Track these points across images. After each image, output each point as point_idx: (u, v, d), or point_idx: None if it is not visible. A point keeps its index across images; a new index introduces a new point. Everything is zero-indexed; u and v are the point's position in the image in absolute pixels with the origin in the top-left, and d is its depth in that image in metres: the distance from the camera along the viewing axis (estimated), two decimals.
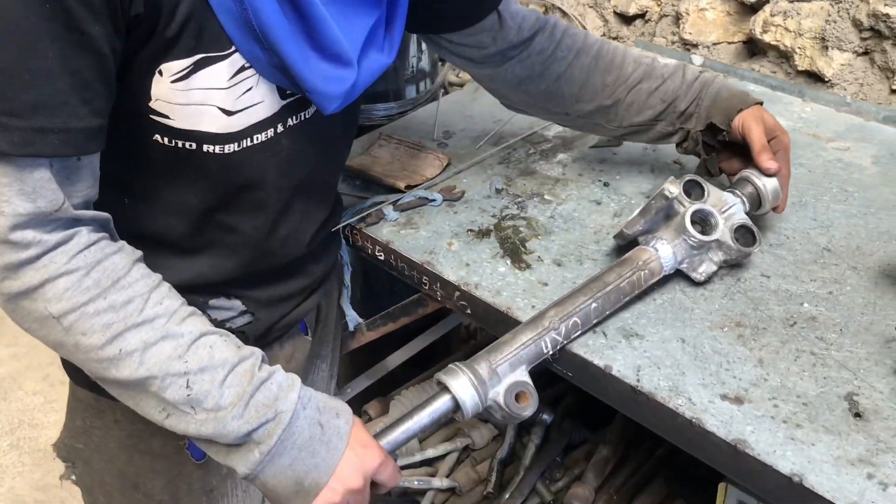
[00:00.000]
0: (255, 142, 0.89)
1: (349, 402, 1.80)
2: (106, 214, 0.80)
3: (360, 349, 2.01)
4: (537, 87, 1.19)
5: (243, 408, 0.80)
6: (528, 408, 0.94)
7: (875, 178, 1.32)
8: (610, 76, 1.19)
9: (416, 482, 1.62)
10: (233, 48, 0.81)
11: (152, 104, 0.81)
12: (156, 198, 0.91)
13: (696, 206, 1.06)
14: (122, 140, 0.85)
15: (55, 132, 0.71)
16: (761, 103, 1.17)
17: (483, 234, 1.22)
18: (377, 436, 0.90)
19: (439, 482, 1.62)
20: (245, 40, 0.81)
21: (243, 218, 0.95)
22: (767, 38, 1.89)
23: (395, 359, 1.78)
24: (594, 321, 1.01)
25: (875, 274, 1.11)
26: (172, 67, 0.79)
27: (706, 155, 1.19)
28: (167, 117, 0.82)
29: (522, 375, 0.95)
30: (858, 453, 0.85)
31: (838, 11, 1.74)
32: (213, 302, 1.01)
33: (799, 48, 1.83)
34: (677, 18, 2.23)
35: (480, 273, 1.14)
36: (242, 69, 0.83)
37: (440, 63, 1.85)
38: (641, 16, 2.39)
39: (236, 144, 0.87)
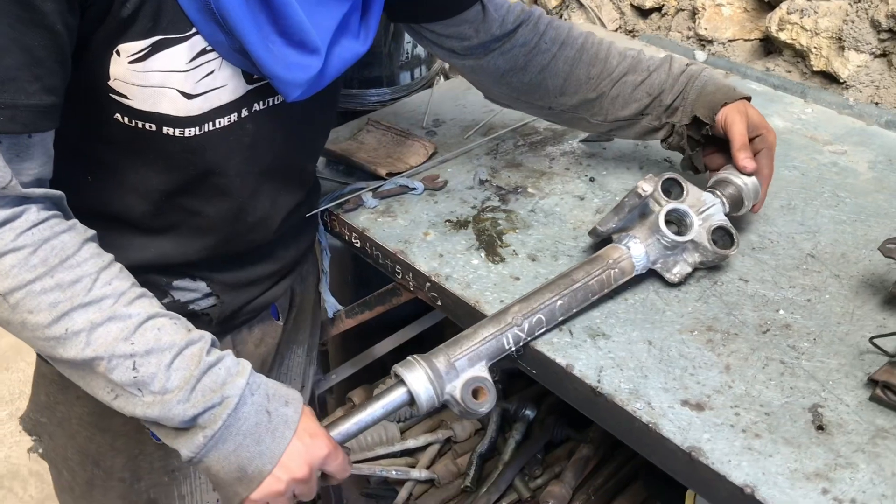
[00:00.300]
0: (218, 126, 0.88)
1: (334, 389, 1.81)
2: (59, 193, 0.80)
3: (351, 336, 2.01)
4: (520, 79, 1.17)
5: (189, 392, 0.79)
6: (485, 404, 0.92)
7: (869, 183, 1.29)
8: (594, 69, 1.16)
9: (394, 472, 1.61)
10: (193, 30, 0.80)
11: (111, 83, 0.81)
12: (118, 177, 0.90)
13: (672, 205, 1.03)
14: (85, 118, 0.84)
15: (2, 108, 0.71)
16: (749, 98, 1.14)
17: (461, 225, 1.20)
18: (328, 426, 0.90)
19: (418, 473, 1.62)
20: (205, 23, 0.80)
21: (207, 202, 0.94)
22: (783, 36, 1.85)
23: (384, 346, 1.77)
24: (560, 318, 0.99)
25: (857, 283, 1.08)
26: (130, 48, 0.78)
27: (691, 150, 1.16)
28: (126, 97, 0.82)
29: (481, 371, 0.94)
30: (816, 467, 0.83)
31: (857, 11, 1.70)
32: (176, 283, 1.00)
33: (815, 48, 1.78)
34: (693, 13, 2.19)
35: (453, 265, 1.12)
36: (203, 52, 0.82)
37: None
38: (658, 9, 2.35)
39: (197, 128, 0.86)
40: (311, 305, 1.30)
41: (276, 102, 0.93)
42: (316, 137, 1.09)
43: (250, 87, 0.89)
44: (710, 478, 0.84)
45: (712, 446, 0.85)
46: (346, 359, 1.75)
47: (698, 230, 1.04)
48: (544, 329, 0.98)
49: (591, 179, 1.31)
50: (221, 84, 0.86)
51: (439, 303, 1.11)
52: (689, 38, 2.19)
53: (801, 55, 1.83)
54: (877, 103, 1.62)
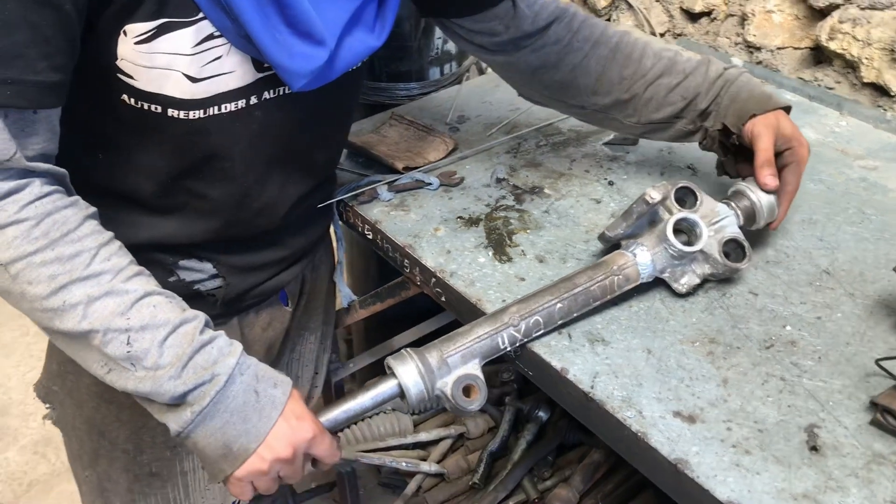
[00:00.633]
0: (224, 111, 0.89)
1: (357, 377, 1.82)
2: (63, 170, 0.82)
3: (375, 326, 2.03)
4: (552, 77, 1.16)
5: (181, 369, 0.81)
6: (475, 402, 0.92)
7: None
8: (628, 69, 1.14)
9: (404, 464, 1.63)
10: (200, 15, 0.82)
11: (119, 63, 0.83)
12: (126, 157, 0.92)
13: (681, 214, 1.02)
14: (94, 98, 0.86)
15: (8, 83, 0.73)
16: (789, 108, 1.11)
17: (472, 222, 1.20)
18: (317, 412, 0.91)
19: (428, 467, 1.63)
20: (212, 8, 0.81)
21: (211, 185, 0.96)
22: (833, 46, 1.80)
23: (404, 338, 1.78)
24: (559, 322, 0.99)
25: (872, 303, 1.05)
26: (136, 29, 0.80)
27: (723, 156, 1.14)
28: (132, 78, 0.84)
29: (474, 369, 0.94)
30: (805, 488, 0.81)
31: None
32: (183, 262, 1.02)
33: (866, 58, 1.73)
34: (743, 19, 2.14)
35: (459, 261, 1.12)
36: (211, 37, 0.84)
37: None
38: (708, 13, 2.31)
39: (202, 111, 0.88)
40: (323, 294, 1.32)
41: (286, 91, 0.94)
42: (331, 129, 1.09)
43: (260, 75, 0.90)
44: (695, 492, 0.83)
45: (700, 460, 0.84)
46: (369, 348, 1.77)
47: (708, 241, 1.02)
48: (542, 331, 0.98)
49: (611, 183, 1.29)
50: (229, 70, 0.87)
51: (443, 299, 1.11)
52: (737, 44, 2.14)
53: (851, 66, 1.77)
54: None
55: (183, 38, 0.82)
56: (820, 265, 1.11)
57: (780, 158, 1.09)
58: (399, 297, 1.27)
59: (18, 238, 0.78)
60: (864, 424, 0.88)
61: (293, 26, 0.84)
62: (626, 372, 0.95)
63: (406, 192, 1.26)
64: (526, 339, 0.97)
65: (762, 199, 1.06)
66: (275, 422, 0.84)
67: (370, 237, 1.22)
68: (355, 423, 1.73)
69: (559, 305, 0.98)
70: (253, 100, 0.91)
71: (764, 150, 1.06)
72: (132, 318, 0.81)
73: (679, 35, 2.38)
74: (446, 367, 0.92)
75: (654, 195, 1.00)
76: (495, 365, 1.85)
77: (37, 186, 0.79)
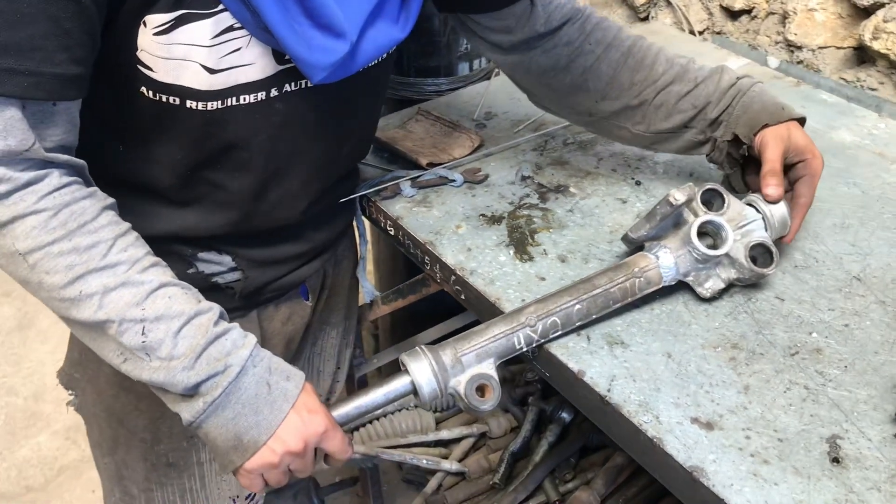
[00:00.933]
0: (242, 102, 0.89)
1: (383, 371, 1.82)
2: (82, 161, 0.83)
3: (402, 322, 2.03)
4: (561, 80, 1.14)
5: (194, 360, 0.81)
6: (489, 402, 0.91)
7: None
8: (639, 74, 1.12)
9: (425, 461, 1.62)
10: (220, 7, 0.82)
11: (138, 54, 0.83)
12: (145, 149, 0.93)
13: (707, 217, 0.99)
14: (114, 90, 0.87)
15: (25, 74, 0.74)
16: (803, 120, 1.08)
17: (494, 220, 1.19)
18: (330, 407, 0.90)
19: (449, 465, 1.62)
20: (232, 0, 0.81)
21: (230, 176, 0.96)
22: (877, 45, 1.75)
23: (429, 334, 1.78)
24: (577, 323, 0.97)
25: None
26: (155, 20, 0.80)
27: (730, 169, 1.12)
28: (151, 69, 0.84)
29: (488, 368, 0.93)
30: (824, 501, 0.79)
31: None
32: (202, 255, 1.03)
33: None
34: (784, 17, 2.09)
35: (479, 260, 1.11)
36: (230, 29, 0.84)
37: None
38: (748, 11, 2.26)
39: (219, 102, 0.88)
40: (345, 289, 1.31)
41: (309, 84, 0.93)
42: (357, 122, 1.08)
43: (281, 67, 0.90)
44: (710, 501, 0.81)
45: (716, 468, 0.82)
46: (396, 343, 1.77)
47: (734, 245, 1.00)
48: (559, 332, 0.96)
49: (638, 183, 1.27)
50: (249, 62, 0.87)
51: (463, 297, 1.11)
52: (777, 43, 2.10)
53: (895, 66, 1.73)
54: None
55: (201, 30, 0.82)
56: (850, 271, 1.08)
57: (793, 171, 1.06)
58: (420, 293, 1.27)
59: (37, 228, 0.78)
60: (889, 437, 0.85)
61: (313, 18, 0.84)
62: (644, 376, 0.93)
63: (429, 189, 1.25)
64: (543, 340, 0.96)
65: (773, 212, 1.03)
66: (286, 414, 0.84)
67: (392, 233, 1.22)
68: (377, 419, 1.72)
69: (578, 307, 0.96)
70: (273, 92, 0.91)
71: (770, 160, 1.04)
72: (147, 308, 0.81)
73: (718, 33, 2.34)
74: (460, 366, 0.92)
75: (679, 197, 0.98)
76: (519, 364, 1.84)
77: (55, 177, 0.79)
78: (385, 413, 1.74)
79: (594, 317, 0.98)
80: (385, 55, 0.98)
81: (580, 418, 1.65)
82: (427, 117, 1.40)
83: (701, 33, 2.32)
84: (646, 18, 2.46)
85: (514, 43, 1.11)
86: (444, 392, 0.91)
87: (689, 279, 1.02)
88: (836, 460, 0.83)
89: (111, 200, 0.84)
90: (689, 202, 1.00)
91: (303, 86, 0.93)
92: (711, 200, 1.03)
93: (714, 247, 1.00)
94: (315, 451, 0.88)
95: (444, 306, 1.66)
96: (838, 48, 1.98)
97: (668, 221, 1.01)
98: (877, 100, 1.50)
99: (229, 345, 0.83)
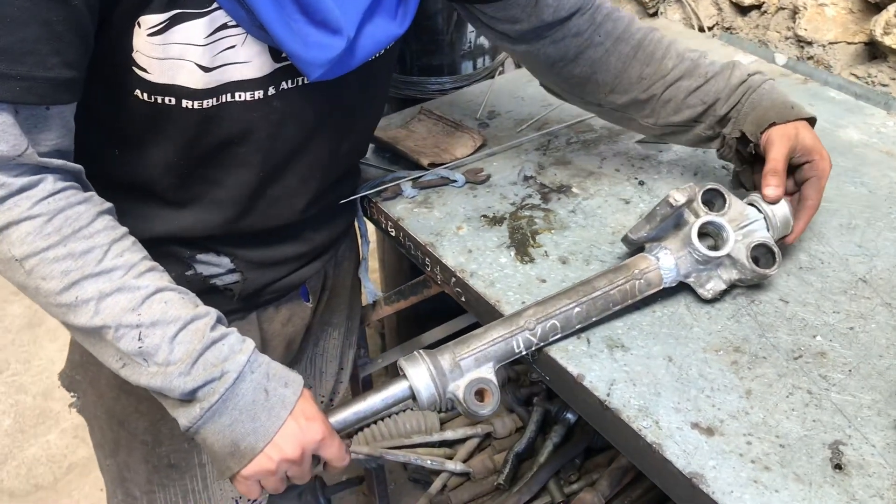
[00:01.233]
0: (238, 99, 0.88)
1: (386, 370, 1.82)
2: (78, 166, 0.82)
3: (408, 322, 2.02)
4: (570, 71, 1.13)
5: (190, 365, 0.81)
6: (488, 406, 0.90)
7: None
8: (648, 69, 1.11)
9: (429, 462, 1.62)
10: (214, 6, 0.81)
11: (134, 55, 0.83)
12: (142, 151, 0.92)
13: (707, 217, 0.98)
14: (108, 93, 0.87)
15: (17, 79, 0.73)
16: (813, 119, 1.06)
17: (496, 221, 1.18)
18: (328, 413, 0.90)
19: (453, 465, 1.61)
20: None
21: (227, 172, 0.95)
22: (889, 41, 1.73)
23: (435, 334, 1.77)
24: (577, 326, 0.96)
25: None
26: (149, 20, 0.80)
27: (739, 166, 1.10)
28: (146, 71, 0.83)
29: (487, 373, 0.92)
30: None
31: None
32: (200, 256, 1.02)
33: None
34: (794, 13, 2.07)
35: (480, 261, 1.10)
36: (225, 27, 0.83)
37: None
38: (758, 7, 2.24)
39: (214, 99, 0.87)
40: (347, 290, 1.31)
41: (306, 81, 0.92)
42: (357, 120, 1.07)
43: (278, 65, 0.89)
44: None
45: (716, 475, 0.81)
46: (401, 343, 1.76)
47: (736, 246, 0.99)
48: (559, 335, 0.95)
49: (641, 183, 1.26)
50: (245, 59, 0.86)
51: (463, 299, 1.10)
52: (787, 38, 2.08)
53: None
54: None
55: (196, 29, 0.81)
56: (856, 272, 1.07)
57: (800, 172, 1.05)
58: (422, 294, 1.26)
59: (31, 234, 0.78)
60: (893, 443, 0.84)
61: (308, 14, 0.83)
62: (644, 380, 0.92)
63: (431, 189, 1.24)
64: (542, 344, 0.95)
65: (775, 212, 1.01)
66: (284, 421, 0.84)
67: (393, 234, 1.21)
68: (381, 420, 1.72)
69: (577, 309, 0.95)
70: (271, 90, 0.90)
71: (773, 159, 1.02)
72: (143, 314, 0.81)
73: (728, 29, 2.32)
74: (459, 371, 0.91)
75: (679, 197, 0.96)
76: (524, 365, 1.83)
77: (50, 182, 0.79)
78: (389, 413, 1.74)
79: (594, 319, 0.97)
80: (384, 51, 0.97)
81: (584, 419, 1.64)
82: (430, 116, 1.40)
83: (710, 28, 2.30)
84: (655, 14, 2.44)
85: (521, 32, 1.10)
86: (442, 397, 0.90)
87: (691, 280, 1.01)
88: (838, 467, 0.82)
89: (108, 205, 0.84)
90: (689, 203, 0.99)
91: (300, 83, 0.92)
92: (712, 200, 1.02)
93: (715, 248, 0.99)
94: (313, 458, 0.88)
95: (451, 305, 1.65)
96: (849, 44, 1.95)
97: (669, 222, 1.00)
98: (885, 97, 1.48)
99: (226, 350, 0.83)
